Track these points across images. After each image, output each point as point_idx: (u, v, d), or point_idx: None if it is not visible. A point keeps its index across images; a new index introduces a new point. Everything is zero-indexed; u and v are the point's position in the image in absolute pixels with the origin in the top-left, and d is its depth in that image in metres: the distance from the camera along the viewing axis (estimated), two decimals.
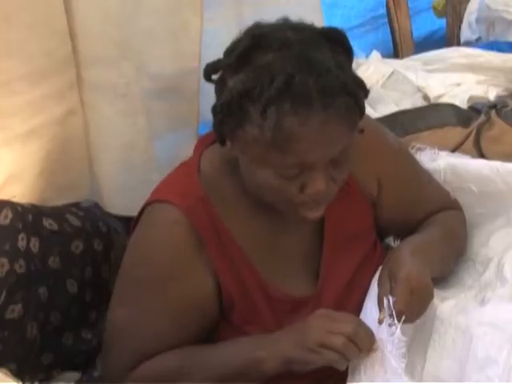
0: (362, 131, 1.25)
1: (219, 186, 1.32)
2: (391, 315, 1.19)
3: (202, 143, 1.39)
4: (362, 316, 1.26)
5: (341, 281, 1.36)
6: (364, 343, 1.18)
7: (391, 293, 1.22)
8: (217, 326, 1.34)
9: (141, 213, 1.34)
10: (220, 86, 1.23)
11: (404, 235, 1.45)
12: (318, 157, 1.18)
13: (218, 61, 1.25)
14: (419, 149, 1.62)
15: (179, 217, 1.28)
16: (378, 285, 1.27)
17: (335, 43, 1.22)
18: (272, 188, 1.22)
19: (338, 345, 1.17)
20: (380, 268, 1.33)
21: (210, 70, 1.27)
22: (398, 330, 1.18)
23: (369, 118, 1.45)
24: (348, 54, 1.24)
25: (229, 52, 1.23)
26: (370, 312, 1.25)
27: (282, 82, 1.13)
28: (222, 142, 1.26)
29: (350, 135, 1.21)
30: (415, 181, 1.48)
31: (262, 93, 1.14)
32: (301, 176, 1.20)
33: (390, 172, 1.43)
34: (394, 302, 1.20)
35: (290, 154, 1.17)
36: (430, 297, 1.26)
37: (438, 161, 1.60)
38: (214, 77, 1.27)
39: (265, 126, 1.15)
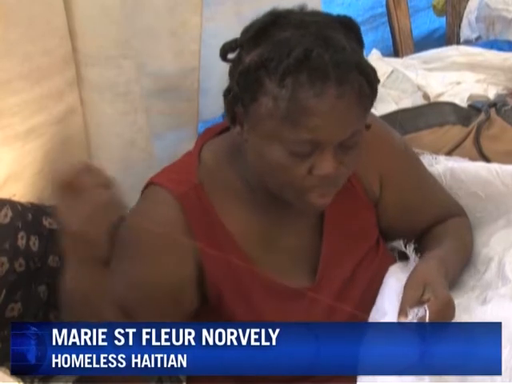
0: (368, 127, 1.26)
1: (218, 176, 1.33)
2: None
3: (206, 135, 1.39)
4: (374, 312, 1.26)
5: (340, 276, 1.36)
6: None
7: (425, 304, 1.22)
8: (197, 317, 1.33)
9: (142, 191, 1.36)
10: (236, 64, 1.24)
11: (409, 237, 1.44)
12: (330, 134, 1.18)
13: (235, 39, 1.26)
14: (417, 153, 1.62)
15: (171, 202, 1.29)
16: (408, 287, 1.26)
17: (348, 30, 1.24)
18: (281, 168, 1.21)
19: None
20: (396, 266, 1.35)
21: (227, 49, 1.27)
22: None
23: (374, 115, 1.45)
24: (359, 42, 1.25)
25: (246, 30, 1.24)
26: (382, 309, 1.25)
27: (300, 53, 1.15)
28: (233, 123, 1.26)
29: (362, 118, 1.22)
30: (419, 182, 1.47)
31: (280, 64, 1.16)
32: (311, 156, 1.20)
33: (393, 171, 1.43)
34: (423, 316, 1.20)
35: (303, 129, 1.17)
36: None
37: (437, 165, 1.60)
38: (231, 57, 1.27)
39: (280, 97, 1.16)
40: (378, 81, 1.25)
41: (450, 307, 1.24)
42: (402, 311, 1.22)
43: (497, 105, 2.03)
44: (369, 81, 1.20)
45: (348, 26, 1.24)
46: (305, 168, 1.21)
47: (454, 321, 1.30)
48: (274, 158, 1.21)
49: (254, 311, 1.31)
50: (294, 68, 1.15)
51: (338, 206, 1.35)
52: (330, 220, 1.37)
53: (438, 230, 1.47)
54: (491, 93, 2.33)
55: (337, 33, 1.21)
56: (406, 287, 1.27)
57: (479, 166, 1.58)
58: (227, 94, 1.25)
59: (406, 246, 1.48)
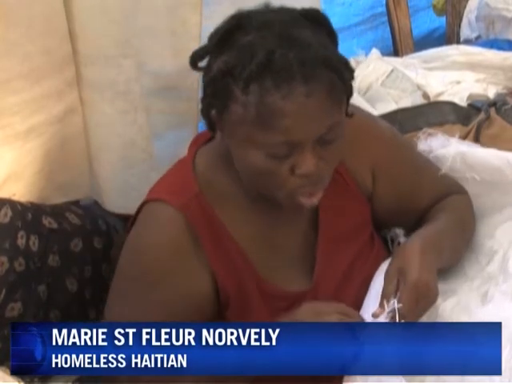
0: (351, 116, 1.25)
1: (214, 182, 1.32)
2: (393, 317, 1.19)
3: (197, 141, 1.39)
4: (362, 312, 1.26)
5: (336, 274, 1.36)
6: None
7: (397, 292, 1.21)
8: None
9: (137, 212, 1.34)
10: (206, 72, 1.24)
11: (410, 225, 1.43)
12: (303, 133, 1.17)
13: (204, 46, 1.26)
14: (430, 134, 1.60)
15: (174, 215, 1.28)
16: (385, 279, 1.26)
17: (316, 24, 1.22)
18: (263, 172, 1.20)
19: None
20: (385, 263, 1.32)
21: (195, 57, 1.26)
22: None
23: (359, 108, 1.44)
24: (330, 35, 1.23)
25: (212, 36, 1.23)
26: (369, 308, 1.25)
27: (263, 57, 1.14)
28: (213, 130, 1.26)
29: (337, 113, 1.20)
30: (412, 168, 1.46)
31: (244, 70, 1.15)
32: (290, 157, 1.19)
33: (384, 162, 1.41)
34: (398, 306, 1.19)
35: (276, 131, 1.16)
36: (434, 302, 1.25)
37: (449, 147, 1.58)
38: (201, 65, 1.26)
39: (248, 103, 1.15)
40: (351, 72, 1.22)
41: (420, 288, 1.21)
42: (380, 305, 1.21)
43: (497, 104, 2.03)
44: (339, 74, 1.18)
45: (316, 20, 1.22)
46: (286, 169, 1.20)
47: (454, 320, 1.30)
48: (253, 163, 1.20)
49: (251, 316, 1.31)
50: (258, 73, 1.14)
51: (331, 204, 1.34)
52: (324, 218, 1.37)
53: (432, 210, 1.45)
54: (491, 92, 2.32)
55: (303, 29, 1.18)
56: (384, 280, 1.26)
57: (491, 153, 1.55)
58: (203, 100, 1.24)
59: (404, 236, 1.47)
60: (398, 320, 1.18)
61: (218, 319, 1.33)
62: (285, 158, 1.19)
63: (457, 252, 1.42)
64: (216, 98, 1.20)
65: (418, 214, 1.45)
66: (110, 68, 1.61)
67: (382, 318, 1.19)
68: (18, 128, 1.54)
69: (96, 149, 1.68)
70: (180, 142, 1.74)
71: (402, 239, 1.46)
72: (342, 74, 1.19)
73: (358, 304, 1.30)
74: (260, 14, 1.22)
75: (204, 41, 1.67)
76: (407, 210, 1.45)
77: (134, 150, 1.68)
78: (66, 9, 1.54)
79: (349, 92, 1.22)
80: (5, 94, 1.49)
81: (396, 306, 1.19)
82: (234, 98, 1.17)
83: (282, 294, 1.33)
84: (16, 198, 1.52)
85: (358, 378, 1.16)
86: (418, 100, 2.36)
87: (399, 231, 1.47)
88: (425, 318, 1.30)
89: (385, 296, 1.22)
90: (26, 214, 1.47)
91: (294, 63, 1.14)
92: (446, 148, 1.57)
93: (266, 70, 1.14)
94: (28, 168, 1.59)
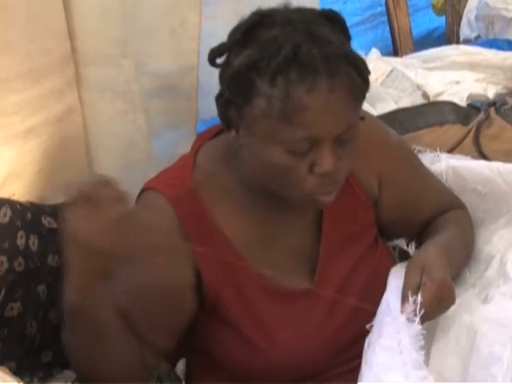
0: (362, 118, 1.26)
1: (214, 179, 1.33)
2: (415, 312, 1.18)
3: (201, 138, 1.39)
4: (382, 309, 1.25)
5: (339, 276, 1.36)
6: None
7: (420, 289, 1.21)
8: (194, 323, 1.32)
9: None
10: (225, 68, 1.24)
11: (411, 235, 1.45)
12: (325, 129, 1.18)
13: (223, 43, 1.26)
14: (419, 151, 1.61)
15: (165, 205, 1.30)
16: (406, 275, 1.25)
17: (334, 24, 1.24)
18: (281, 168, 1.21)
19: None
20: (396, 267, 1.34)
21: (215, 54, 1.26)
22: (418, 326, 1.17)
23: (369, 114, 1.45)
24: (345, 35, 1.25)
25: (233, 32, 1.24)
26: (392, 305, 1.24)
27: (289, 51, 1.15)
28: (228, 128, 1.25)
29: (355, 110, 1.22)
30: (417, 177, 1.47)
31: (270, 63, 1.15)
32: (310, 154, 1.20)
33: (390, 170, 1.42)
34: (420, 302, 1.19)
35: (299, 126, 1.17)
36: (452, 305, 1.27)
37: (439, 163, 1.59)
38: (219, 61, 1.27)
39: (273, 96, 1.16)
40: (368, 71, 1.24)
41: (445, 289, 1.23)
42: (404, 298, 1.21)
43: (496, 104, 2.04)
44: (359, 71, 1.19)
45: (333, 20, 1.24)
46: (305, 166, 1.20)
47: (456, 319, 1.30)
48: (273, 159, 1.21)
49: (252, 313, 1.31)
50: (285, 66, 1.15)
51: (336, 206, 1.35)
52: (328, 220, 1.37)
53: (438, 221, 1.47)
54: (490, 92, 2.33)
55: (322, 27, 1.20)
56: (405, 274, 1.26)
57: (481, 165, 1.58)
58: (219, 98, 1.25)
59: (408, 245, 1.48)
60: (418, 314, 1.17)
61: (213, 319, 1.32)
62: (304, 155, 1.20)
63: (460, 264, 1.44)
64: (238, 93, 1.20)
65: (419, 224, 1.47)
66: (109, 68, 1.61)
67: (405, 315, 1.19)
68: (17, 128, 1.53)
69: (95, 148, 1.68)
70: (179, 142, 1.74)
71: (404, 247, 1.47)
72: (362, 71, 1.20)
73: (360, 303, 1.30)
74: (281, 11, 1.23)
75: (204, 41, 1.67)
76: (410, 220, 1.46)
77: (133, 149, 1.68)
78: (66, 8, 1.54)
79: (366, 86, 1.23)
80: (5, 94, 1.49)
81: (419, 301, 1.19)
82: (257, 92, 1.17)
83: (283, 291, 1.32)
84: (15, 197, 1.51)
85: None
86: (417, 100, 2.36)
87: (400, 242, 1.48)
88: None
89: (408, 289, 1.21)
90: (26, 214, 1.47)
91: (318, 58, 1.15)
92: (435, 164, 1.59)
93: (293, 62, 1.15)
94: (27, 168, 1.59)
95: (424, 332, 1.18)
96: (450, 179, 1.56)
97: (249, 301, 1.31)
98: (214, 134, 1.37)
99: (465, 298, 1.38)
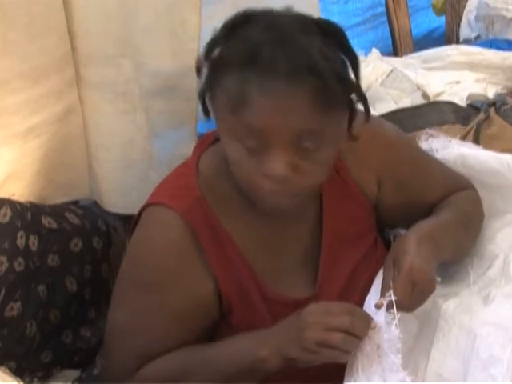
0: (356, 139, 1.25)
1: (218, 186, 1.32)
2: (391, 304, 1.18)
3: (202, 144, 1.39)
4: (365, 307, 1.24)
5: (339, 281, 1.36)
6: (362, 331, 1.17)
7: (393, 281, 1.20)
8: (217, 327, 1.34)
9: (139, 215, 1.34)
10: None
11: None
12: (274, 130, 1.16)
13: (213, 37, 1.26)
14: (432, 135, 1.60)
15: (175, 219, 1.28)
16: (383, 271, 1.25)
17: (328, 35, 1.21)
18: (238, 163, 1.21)
19: (336, 342, 1.15)
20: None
21: (208, 48, 1.26)
22: (395, 324, 1.16)
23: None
24: (343, 47, 1.22)
25: (221, 27, 1.24)
26: (370, 302, 1.24)
27: (252, 49, 1.15)
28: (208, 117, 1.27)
29: (320, 119, 1.18)
30: (417, 167, 1.46)
31: (233, 59, 1.17)
32: (261, 153, 1.18)
33: (388, 165, 1.41)
34: (394, 292, 1.19)
35: (249, 123, 1.16)
36: (431, 290, 1.24)
37: (449, 149, 1.58)
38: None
39: (230, 91, 1.17)
40: (347, 87, 1.20)
41: (414, 274, 1.20)
42: (381, 296, 1.20)
43: (496, 104, 2.04)
44: (325, 84, 1.15)
45: (328, 31, 1.21)
46: (254, 164, 1.19)
47: (456, 321, 1.30)
48: (232, 156, 1.22)
49: (256, 320, 1.31)
50: (245, 63, 1.15)
51: (336, 211, 1.34)
52: (328, 225, 1.37)
53: (438, 206, 1.45)
54: (490, 92, 2.33)
55: (308, 35, 1.17)
56: (382, 272, 1.26)
57: (491, 157, 1.55)
58: (199, 92, 1.26)
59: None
60: (395, 310, 1.17)
61: (222, 324, 1.33)
62: (257, 153, 1.18)
63: (461, 246, 1.42)
64: (208, 86, 1.23)
65: (425, 212, 1.44)
66: (109, 68, 1.61)
67: (383, 310, 1.18)
68: (17, 128, 1.54)
69: (95, 148, 1.68)
70: (179, 142, 1.74)
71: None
72: (329, 85, 1.15)
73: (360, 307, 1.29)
74: (270, 15, 1.22)
75: (204, 41, 1.67)
76: (415, 209, 1.45)
77: (133, 149, 1.68)
78: (66, 8, 1.54)
79: (340, 105, 1.20)
80: (4, 94, 1.49)
81: (393, 297, 1.18)
82: (220, 86, 1.20)
83: (284, 300, 1.32)
84: (15, 197, 1.52)
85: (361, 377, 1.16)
86: (417, 100, 2.36)
87: (402, 231, 1.47)
88: (427, 318, 1.30)
89: (384, 287, 1.21)
90: (26, 214, 1.47)
91: (281, 62, 1.14)
92: (446, 150, 1.57)
93: (255, 61, 1.15)
94: (27, 168, 1.59)
95: (401, 336, 1.17)
96: (458, 168, 1.53)
97: (254, 310, 1.31)
98: (213, 139, 1.36)
99: (465, 295, 1.38)
